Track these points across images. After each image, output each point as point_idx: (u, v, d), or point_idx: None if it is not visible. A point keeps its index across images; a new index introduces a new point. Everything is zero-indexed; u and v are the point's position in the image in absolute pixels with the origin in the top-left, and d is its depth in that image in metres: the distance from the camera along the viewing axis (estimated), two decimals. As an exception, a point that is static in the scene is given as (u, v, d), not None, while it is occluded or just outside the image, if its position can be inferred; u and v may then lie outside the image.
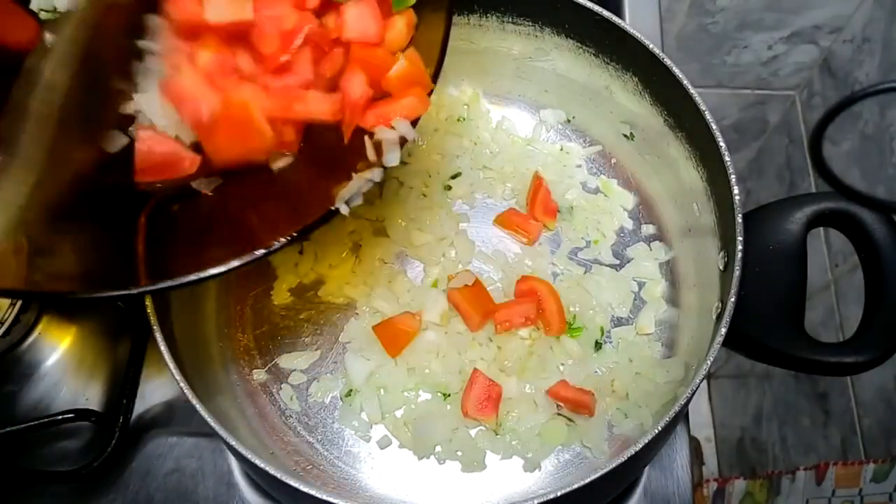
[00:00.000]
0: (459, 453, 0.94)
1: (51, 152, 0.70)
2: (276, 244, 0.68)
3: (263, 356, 1.00)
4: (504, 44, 1.08)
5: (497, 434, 0.95)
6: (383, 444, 0.95)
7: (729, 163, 0.87)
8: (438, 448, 0.94)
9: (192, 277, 0.67)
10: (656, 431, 0.76)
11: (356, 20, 0.75)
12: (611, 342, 1.00)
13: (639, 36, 0.95)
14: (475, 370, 0.96)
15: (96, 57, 0.74)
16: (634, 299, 1.03)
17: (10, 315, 0.99)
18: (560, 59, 1.07)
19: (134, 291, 0.67)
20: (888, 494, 1.36)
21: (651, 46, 0.94)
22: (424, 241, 1.05)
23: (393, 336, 0.98)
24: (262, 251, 0.68)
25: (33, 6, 0.78)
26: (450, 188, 1.09)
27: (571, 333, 1.00)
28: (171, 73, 0.72)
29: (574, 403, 0.94)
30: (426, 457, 0.94)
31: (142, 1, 0.73)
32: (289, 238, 0.69)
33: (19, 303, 0.99)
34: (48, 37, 0.74)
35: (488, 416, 0.94)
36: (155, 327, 0.82)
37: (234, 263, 0.67)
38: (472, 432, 0.95)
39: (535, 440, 0.94)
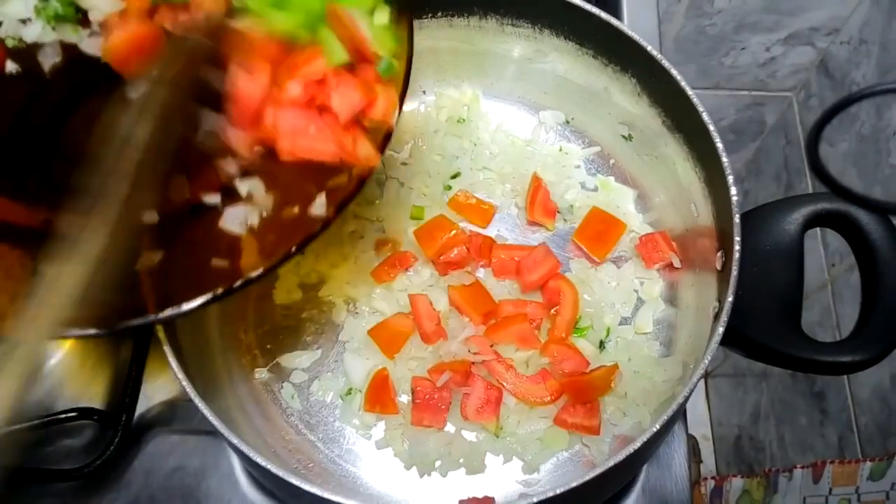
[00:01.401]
0: (461, 460, 0.94)
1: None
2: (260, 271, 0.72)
3: (265, 355, 1.01)
4: (504, 46, 1.09)
5: (498, 437, 0.95)
6: (383, 443, 0.96)
7: (726, 163, 0.88)
8: (439, 462, 0.94)
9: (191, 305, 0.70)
10: (654, 430, 0.77)
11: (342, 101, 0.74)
12: (610, 341, 1.01)
13: (637, 38, 0.96)
14: (473, 373, 0.96)
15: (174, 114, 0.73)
16: (636, 299, 1.03)
17: (12, 315, 0.99)
18: (559, 60, 1.07)
19: (150, 320, 0.70)
20: (885, 493, 1.36)
21: (649, 48, 0.95)
22: (424, 241, 1.05)
23: (388, 338, 0.98)
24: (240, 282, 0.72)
25: (0, 33, 0.77)
26: (450, 188, 1.09)
27: (577, 333, 1.00)
28: None
29: (583, 430, 0.94)
30: (427, 474, 0.94)
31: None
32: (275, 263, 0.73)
33: (22, 302, 0.99)
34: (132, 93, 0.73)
35: (488, 419, 0.94)
36: (157, 326, 0.82)
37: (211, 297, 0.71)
38: (471, 436, 0.95)
39: (536, 444, 0.94)
